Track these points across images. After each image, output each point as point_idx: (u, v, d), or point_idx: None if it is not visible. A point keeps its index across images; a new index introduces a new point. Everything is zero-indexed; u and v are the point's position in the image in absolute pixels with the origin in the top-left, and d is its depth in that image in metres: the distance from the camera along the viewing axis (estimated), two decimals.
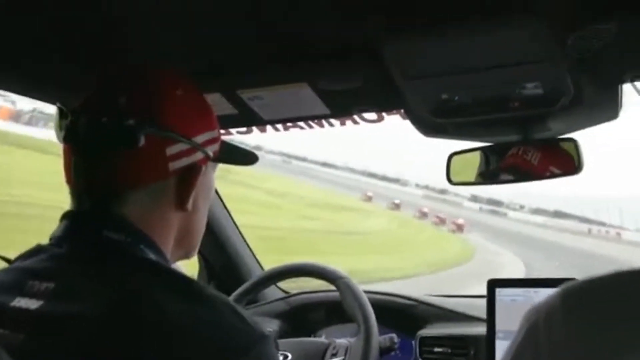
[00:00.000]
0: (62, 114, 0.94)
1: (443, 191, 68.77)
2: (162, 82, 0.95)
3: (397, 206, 44.59)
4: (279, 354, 1.57)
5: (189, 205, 0.95)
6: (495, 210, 61.27)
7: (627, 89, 1.25)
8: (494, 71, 1.16)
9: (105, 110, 0.89)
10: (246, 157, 1.12)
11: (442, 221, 38.05)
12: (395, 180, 76.09)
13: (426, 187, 73.80)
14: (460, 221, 34.82)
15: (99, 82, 0.96)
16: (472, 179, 1.58)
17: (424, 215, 41.47)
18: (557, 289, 0.68)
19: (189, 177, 0.94)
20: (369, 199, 47.32)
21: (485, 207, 64.42)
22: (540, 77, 1.17)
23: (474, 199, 68.66)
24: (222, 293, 0.90)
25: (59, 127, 0.94)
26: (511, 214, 60.96)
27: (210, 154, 0.97)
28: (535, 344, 0.66)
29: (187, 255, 1.04)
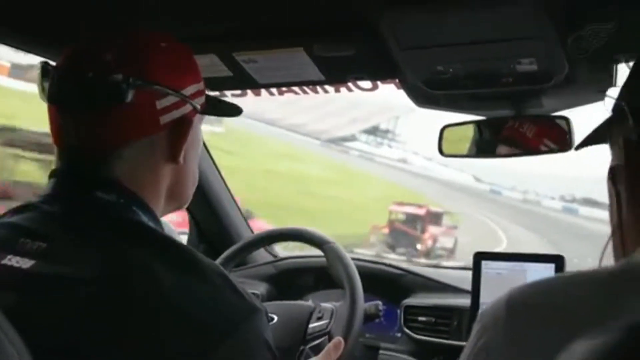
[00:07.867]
0: (44, 73, 0.92)
1: None
2: (146, 36, 0.95)
3: None
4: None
5: (181, 158, 0.95)
6: None
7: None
8: (489, 45, 1.16)
9: (91, 67, 0.89)
10: (231, 109, 1.13)
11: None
12: None
13: None
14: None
15: (83, 41, 0.95)
16: (465, 152, 1.60)
17: None
18: (504, 294, 0.72)
19: (180, 130, 0.94)
20: None
21: None
22: (535, 53, 1.17)
23: None
24: (212, 254, 0.89)
25: (42, 88, 0.93)
26: None
27: (198, 106, 0.98)
28: (485, 346, 0.70)
29: (179, 208, 1.05)
